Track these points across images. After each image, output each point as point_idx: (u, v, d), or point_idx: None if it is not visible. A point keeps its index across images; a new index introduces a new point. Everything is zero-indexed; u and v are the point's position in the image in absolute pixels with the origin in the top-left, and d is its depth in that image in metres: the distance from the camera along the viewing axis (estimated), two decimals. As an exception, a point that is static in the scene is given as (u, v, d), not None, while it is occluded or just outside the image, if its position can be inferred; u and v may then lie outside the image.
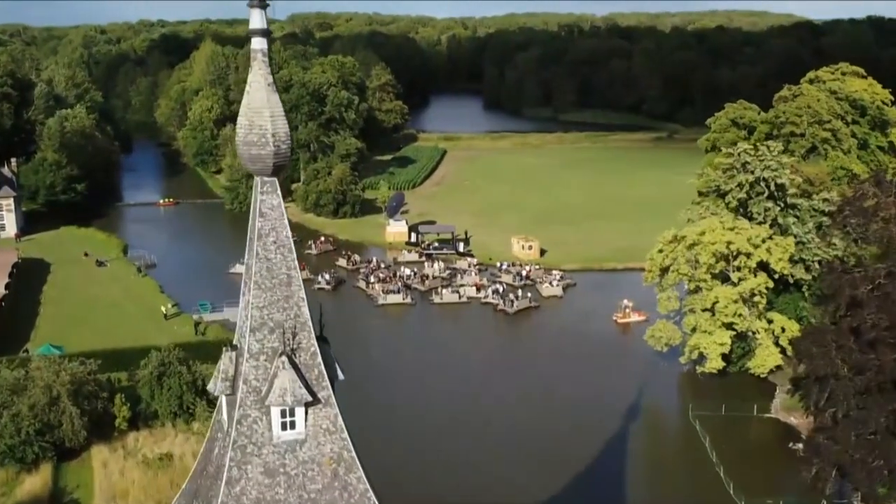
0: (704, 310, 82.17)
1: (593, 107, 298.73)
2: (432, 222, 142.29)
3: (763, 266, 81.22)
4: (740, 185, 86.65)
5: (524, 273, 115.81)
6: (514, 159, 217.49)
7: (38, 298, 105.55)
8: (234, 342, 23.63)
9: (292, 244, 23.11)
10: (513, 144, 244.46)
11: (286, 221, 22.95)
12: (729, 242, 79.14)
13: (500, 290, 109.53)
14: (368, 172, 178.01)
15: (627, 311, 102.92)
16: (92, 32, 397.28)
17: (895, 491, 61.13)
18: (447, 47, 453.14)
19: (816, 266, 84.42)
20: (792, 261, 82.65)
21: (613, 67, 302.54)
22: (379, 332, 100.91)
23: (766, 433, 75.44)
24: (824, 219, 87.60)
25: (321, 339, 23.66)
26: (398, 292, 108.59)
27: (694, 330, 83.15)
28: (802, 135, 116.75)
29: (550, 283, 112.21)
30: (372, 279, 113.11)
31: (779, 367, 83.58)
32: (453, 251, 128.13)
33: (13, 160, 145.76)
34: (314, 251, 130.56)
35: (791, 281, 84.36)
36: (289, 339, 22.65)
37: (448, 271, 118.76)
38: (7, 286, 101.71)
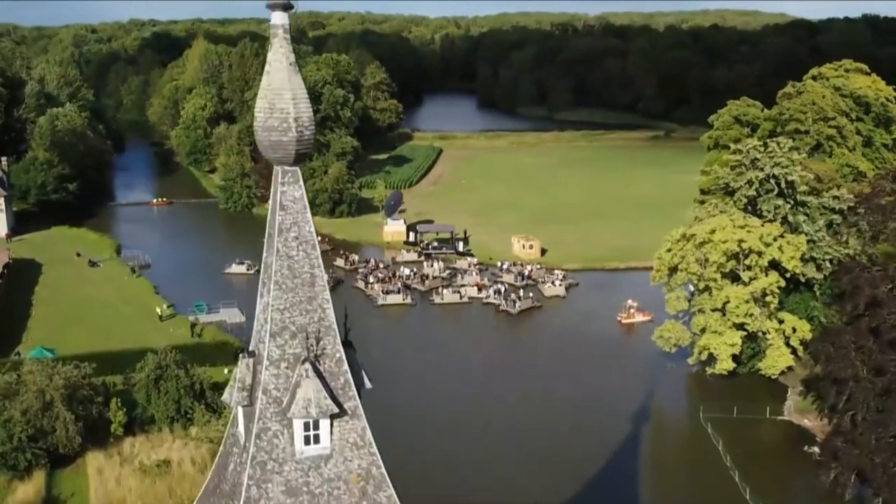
0: (714, 310, 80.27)
1: (588, 106, 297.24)
2: (430, 221, 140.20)
3: (774, 265, 79.34)
4: (750, 183, 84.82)
5: (526, 273, 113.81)
6: (510, 158, 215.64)
7: (30, 300, 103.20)
8: (251, 348, 21.59)
9: (316, 240, 21.05)
10: (509, 143, 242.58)
11: (309, 215, 20.90)
12: (740, 241, 77.25)
13: (502, 290, 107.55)
14: (364, 171, 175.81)
15: (632, 311, 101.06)
16: (83, 32, 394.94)
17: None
18: (440, 46, 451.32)
19: (828, 265, 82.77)
20: (803, 259, 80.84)
21: (608, 66, 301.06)
22: (379, 332, 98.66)
23: (779, 436, 73.56)
24: (835, 216, 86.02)
25: (346, 345, 21.62)
26: (398, 292, 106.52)
27: (703, 330, 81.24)
28: (807, 132, 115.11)
29: (553, 283, 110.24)
30: (371, 279, 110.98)
31: (790, 368, 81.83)
32: (453, 251, 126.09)
33: (3, 159, 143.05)
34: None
35: (802, 280, 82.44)
36: (312, 345, 20.62)
37: (448, 271, 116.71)
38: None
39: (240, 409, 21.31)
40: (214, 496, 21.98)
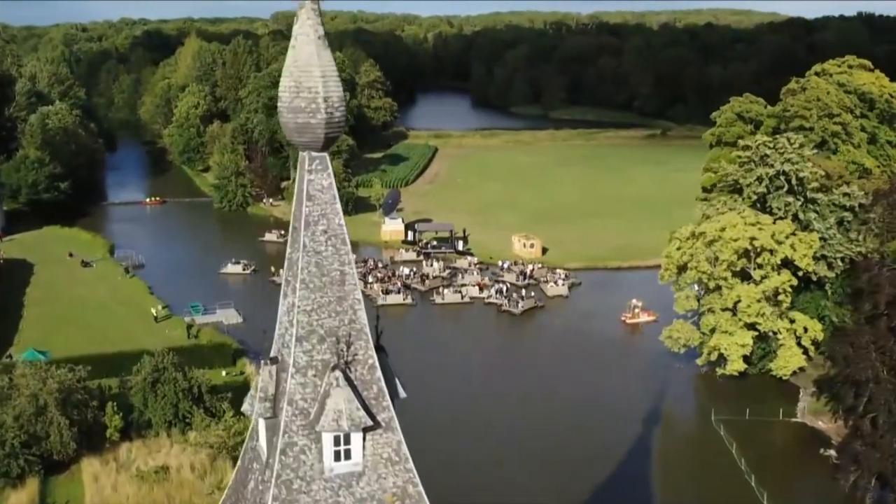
0: (724, 309, 78.41)
1: (583, 104, 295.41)
2: (428, 220, 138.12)
3: (785, 263, 77.52)
4: (759, 179, 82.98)
5: (528, 272, 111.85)
6: (506, 157, 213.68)
7: (21, 300, 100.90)
8: (273, 354, 19.52)
9: (346, 234, 19.00)
10: (504, 142, 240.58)
11: (338, 206, 18.88)
12: (752, 238, 75.39)
13: (504, 289, 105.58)
14: (359, 170, 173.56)
15: (636, 311, 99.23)
16: (73, 30, 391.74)
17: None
18: (433, 45, 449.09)
19: (839, 263, 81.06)
20: (814, 258, 79.04)
21: (603, 65, 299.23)
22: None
23: (794, 438, 71.80)
24: (846, 214, 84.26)
25: (378, 349, 19.59)
26: (398, 292, 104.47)
27: (713, 330, 79.35)
28: (812, 129, 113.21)
29: (555, 283, 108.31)
30: (370, 279, 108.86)
31: (801, 369, 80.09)
32: (452, 250, 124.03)
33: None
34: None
35: (814, 279, 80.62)
36: (343, 350, 18.57)
37: (448, 270, 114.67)
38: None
39: (261, 422, 19.27)
40: (232, 517, 19.95)
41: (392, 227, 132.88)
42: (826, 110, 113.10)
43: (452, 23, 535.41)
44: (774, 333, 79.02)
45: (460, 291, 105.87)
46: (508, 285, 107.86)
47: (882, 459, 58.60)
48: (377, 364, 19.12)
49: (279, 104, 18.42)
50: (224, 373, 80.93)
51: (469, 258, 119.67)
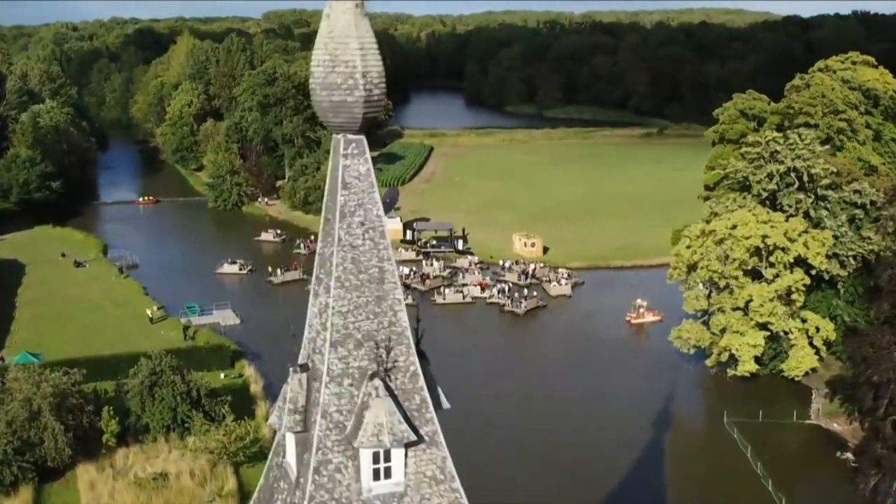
0: (735, 309, 76.57)
1: (579, 103, 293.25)
2: (426, 219, 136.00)
3: (797, 262, 75.73)
4: (770, 176, 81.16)
5: (530, 271, 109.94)
6: (502, 155, 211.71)
7: (13, 302, 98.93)
8: (302, 360, 17.51)
9: (385, 226, 17.03)
10: (500, 141, 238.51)
11: (377, 195, 16.92)
12: (764, 236, 73.56)
13: (506, 289, 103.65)
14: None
15: (641, 310, 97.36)
16: (63, 30, 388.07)
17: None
18: (426, 44, 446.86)
19: (851, 261, 79.32)
20: (826, 256, 77.26)
21: (598, 63, 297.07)
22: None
23: (809, 441, 70.00)
24: (857, 211, 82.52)
25: (420, 355, 17.62)
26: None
27: (723, 330, 77.47)
28: (816, 125, 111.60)
29: (558, 282, 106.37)
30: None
31: (813, 370, 78.32)
32: (452, 249, 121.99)
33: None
34: (304, 251, 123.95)
35: (826, 277, 78.85)
36: (382, 356, 16.58)
37: (449, 270, 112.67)
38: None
39: (290, 436, 17.27)
40: (257, 541, 17.95)
41: (390, 226, 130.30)
42: (831, 107, 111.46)
43: (445, 22, 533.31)
44: (786, 333, 77.22)
45: (462, 291, 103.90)
46: (510, 285, 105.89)
47: (904, 463, 56.99)
48: (419, 371, 17.20)
49: (311, 80, 16.44)
50: (222, 375, 78.95)
51: (469, 257, 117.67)
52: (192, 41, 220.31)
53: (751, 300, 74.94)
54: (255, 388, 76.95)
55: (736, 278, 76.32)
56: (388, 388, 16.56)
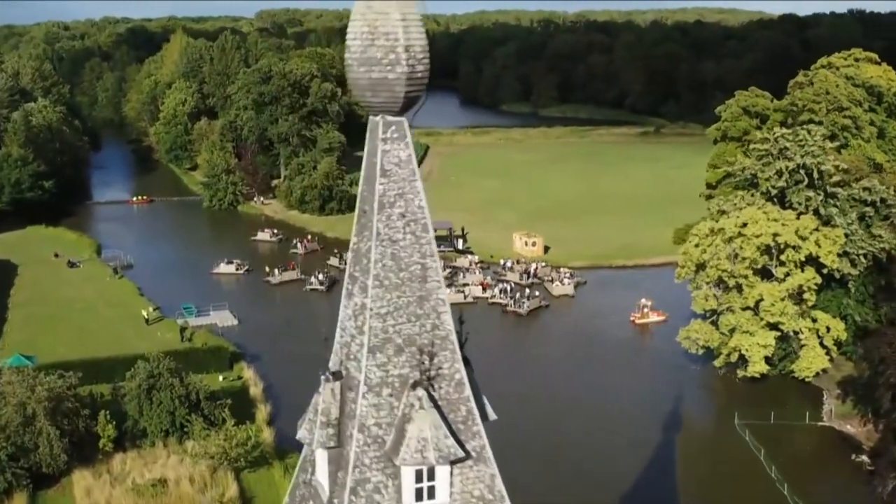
0: (745, 308, 75.02)
1: (574, 102, 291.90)
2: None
3: (809, 260, 74.23)
4: (779, 173, 79.64)
5: (532, 271, 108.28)
6: (498, 154, 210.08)
7: (6, 303, 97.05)
8: (334, 367, 15.80)
9: (428, 218, 15.33)
10: (496, 140, 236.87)
11: (419, 184, 15.21)
12: (775, 234, 72.03)
13: (508, 289, 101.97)
14: (351, 168, 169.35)
15: (645, 310, 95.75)
16: (55, 29, 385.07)
17: None
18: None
19: (862, 260, 77.85)
20: (836, 254, 75.80)
21: (593, 62, 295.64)
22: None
23: (823, 443, 68.52)
24: (867, 209, 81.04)
25: (464, 361, 15.93)
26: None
27: (733, 331, 75.92)
28: (821, 123, 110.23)
29: (561, 282, 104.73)
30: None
31: (823, 370, 76.83)
32: (452, 248, 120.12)
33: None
34: (300, 250, 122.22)
35: (837, 276, 77.34)
36: (426, 363, 14.87)
37: (448, 270, 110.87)
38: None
39: (320, 452, 15.55)
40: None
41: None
42: (835, 104, 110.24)
43: (439, 21, 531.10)
44: (796, 333, 75.72)
45: (463, 291, 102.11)
46: (512, 285, 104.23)
47: (924, 466, 55.51)
48: (465, 379, 15.52)
49: (347, 55, 14.73)
50: (221, 378, 77.20)
51: (469, 257, 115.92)
52: (186, 39, 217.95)
53: (761, 299, 73.43)
54: (255, 390, 75.21)
55: (746, 277, 74.81)
56: (431, 398, 14.87)
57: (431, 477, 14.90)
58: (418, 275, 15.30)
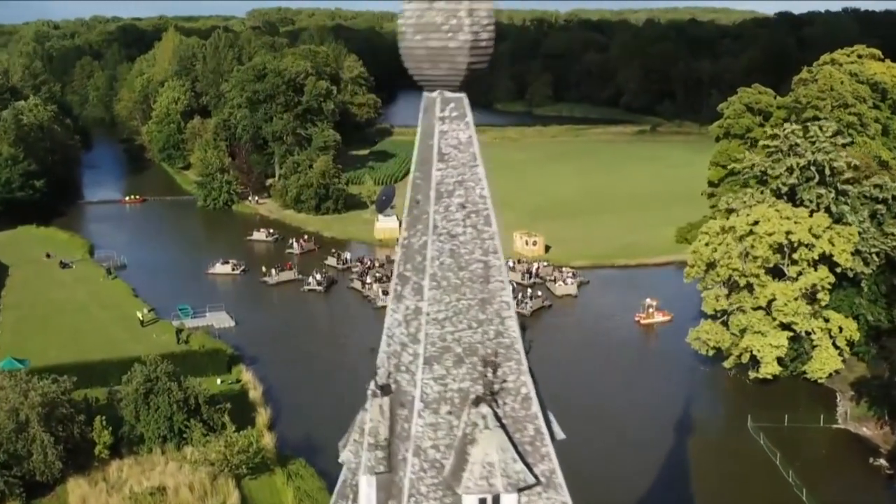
0: (756, 308, 73.23)
1: (569, 100, 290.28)
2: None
3: (822, 259, 72.47)
4: (790, 170, 77.91)
5: (534, 271, 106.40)
6: (495, 153, 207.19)
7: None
8: (381, 380, 13.83)
9: (492, 210, 13.36)
10: (491, 138, 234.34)
11: (481, 170, 13.27)
12: (788, 232, 70.25)
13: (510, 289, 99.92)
14: (346, 167, 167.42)
15: (651, 310, 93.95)
16: (44, 28, 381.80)
17: None
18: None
19: (875, 258, 76.18)
20: (849, 252, 74.09)
21: (588, 61, 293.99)
22: (381, 336, 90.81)
23: (839, 446, 66.79)
24: (879, 206, 79.39)
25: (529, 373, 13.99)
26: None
27: (744, 331, 74.12)
28: (825, 120, 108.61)
29: (563, 282, 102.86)
30: (368, 279, 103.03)
31: (836, 371, 75.10)
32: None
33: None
34: (296, 250, 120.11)
35: (851, 275, 75.60)
36: (490, 376, 12.92)
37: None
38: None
39: (366, 478, 13.58)
40: None
41: (386, 225, 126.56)
42: (840, 100, 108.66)
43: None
44: (808, 334, 73.98)
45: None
46: (514, 285, 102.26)
47: (948, 471, 53.88)
48: (532, 394, 13.57)
49: (400, 21, 12.88)
50: (219, 381, 75.12)
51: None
52: (178, 37, 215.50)
53: (773, 299, 71.64)
54: (255, 394, 73.17)
55: (757, 276, 73.05)
56: (496, 416, 12.94)
57: (497, 506, 13.00)
58: (480, 274, 13.37)
